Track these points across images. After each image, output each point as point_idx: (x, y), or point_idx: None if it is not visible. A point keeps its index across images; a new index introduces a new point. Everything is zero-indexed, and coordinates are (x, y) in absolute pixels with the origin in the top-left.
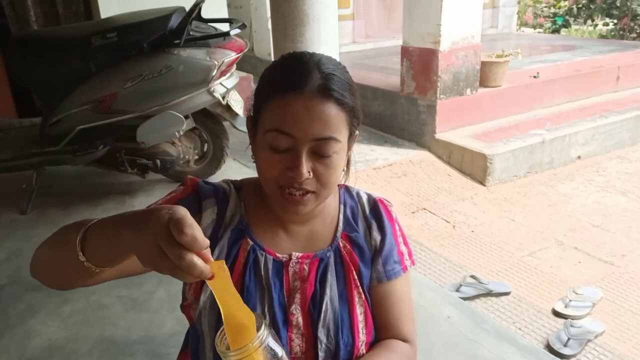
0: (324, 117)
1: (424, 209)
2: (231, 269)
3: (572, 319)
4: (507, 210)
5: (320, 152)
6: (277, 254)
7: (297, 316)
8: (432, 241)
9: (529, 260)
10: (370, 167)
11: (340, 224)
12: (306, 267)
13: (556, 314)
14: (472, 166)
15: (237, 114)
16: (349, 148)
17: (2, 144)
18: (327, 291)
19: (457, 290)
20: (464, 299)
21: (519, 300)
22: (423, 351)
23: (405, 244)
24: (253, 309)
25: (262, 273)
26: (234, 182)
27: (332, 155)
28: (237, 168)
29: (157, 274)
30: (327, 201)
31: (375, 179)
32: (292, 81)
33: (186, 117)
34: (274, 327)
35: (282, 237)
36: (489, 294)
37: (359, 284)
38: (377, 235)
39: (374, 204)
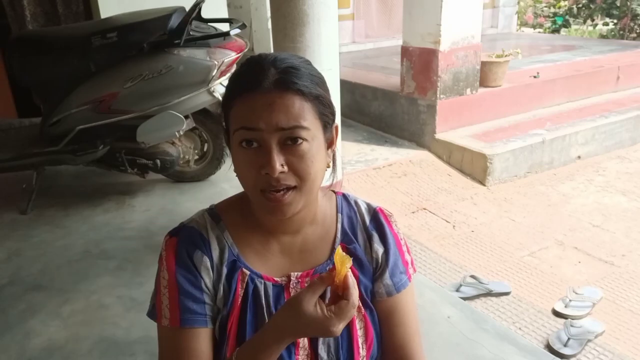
0: (284, 108)
1: (424, 209)
2: (231, 304)
3: (572, 319)
4: (507, 210)
5: (289, 142)
6: (276, 278)
7: (303, 339)
8: (432, 241)
9: (529, 260)
10: (370, 167)
11: (338, 235)
12: None
13: (556, 314)
14: (472, 166)
15: None
16: (330, 143)
17: (2, 144)
18: None
19: (457, 290)
20: (464, 299)
21: (519, 300)
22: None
23: (409, 252)
24: None
25: (263, 302)
26: (211, 211)
27: (303, 143)
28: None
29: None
30: (322, 209)
31: (375, 179)
32: (249, 81)
33: (186, 117)
34: (280, 355)
35: (276, 254)
36: (489, 294)
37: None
38: (379, 248)
39: (374, 214)
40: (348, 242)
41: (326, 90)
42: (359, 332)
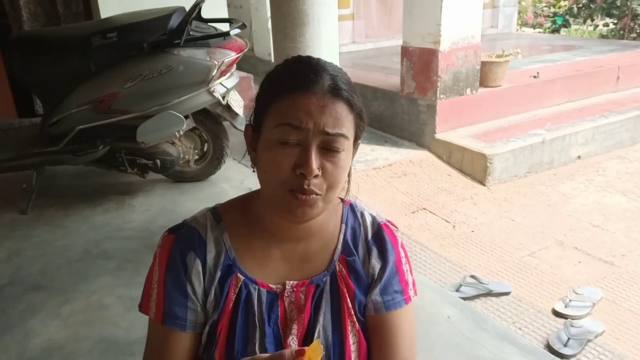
0: (335, 115)
1: (424, 209)
2: (222, 308)
3: (572, 319)
4: (507, 210)
5: (329, 147)
6: (271, 285)
7: (294, 348)
8: (432, 241)
9: (529, 260)
10: (370, 167)
11: (339, 246)
12: (302, 296)
13: (556, 314)
14: (472, 166)
15: (237, 114)
16: (353, 155)
17: (2, 144)
18: (320, 319)
19: (457, 290)
20: (464, 299)
21: (519, 300)
22: (423, 351)
23: (410, 272)
24: (241, 351)
25: (256, 309)
26: (214, 211)
27: (341, 152)
28: (237, 168)
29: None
30: (326, 218)
31: (375, 179)
32: (302, 81)
33: (186, 117)
34: None
35: (276, 260)
36: (489, 294)
37: (352, 313)
38: (376, 263)
39: (378, 228)
40: (348, 254)
41: (364, 106)
42: (352, 346)
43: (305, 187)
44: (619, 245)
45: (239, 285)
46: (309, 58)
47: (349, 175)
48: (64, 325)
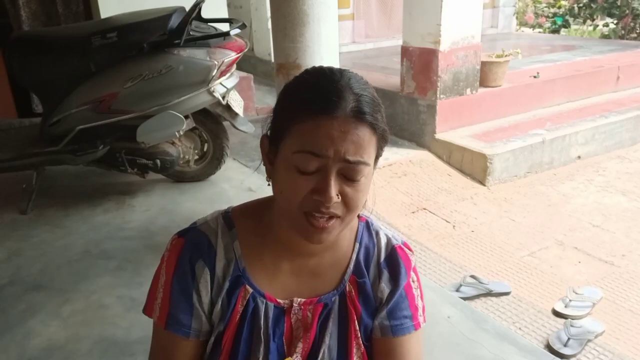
0: (357, 141)
1: (424, 209)
2: (228, 320)
3: (572, 319)
4: (507, 210)
5: (349, 175)
6: (279, 300)
7: None
8: (432, 241)
9: (529, 260)
10: None
11: (351, 266)
12: (309, 314)
13: (556, 314)
14: (472, 166)
15: (237, 114)
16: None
17: (2, 144)
18: (326, 339)
19: (457, 290)
20: (464, 299)
21: (519, 300)
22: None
23: (421, 297)
24: None
25: (262, 323)
26: (226, 215)
27: (361, 179)
28: (237, 168)
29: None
30: (341, 235)
31: (375, 179)
32: (325, 103)
33: (186, 117)
34: None
35: (286, 273)
36: (489, 294)
37: (359, 335)
38: (385, 287)
39: (392, 251)
40: (359, 275)
41: (384, 118)
42: None
43: (324, 210)
44: (619, 245)
45: (247, 298)
46: (332, 73)
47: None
48: (64, 325)
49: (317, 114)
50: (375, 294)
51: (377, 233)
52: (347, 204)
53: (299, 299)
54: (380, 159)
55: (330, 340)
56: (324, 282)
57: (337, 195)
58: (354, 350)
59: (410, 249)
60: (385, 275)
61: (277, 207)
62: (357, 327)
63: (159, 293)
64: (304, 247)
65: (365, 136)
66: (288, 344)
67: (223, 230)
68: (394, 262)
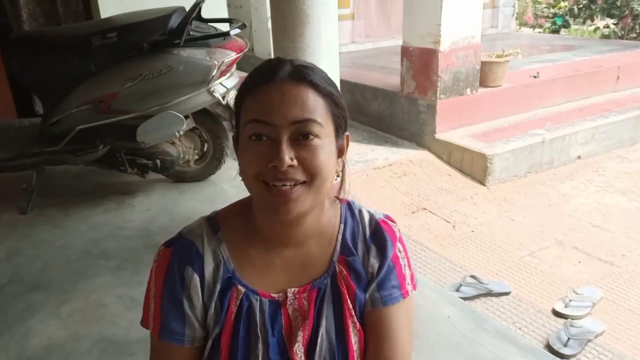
0: (299, 100)
1: (424, 209)
2: (223, 322)
3: (572, 319)
4: (507, 210)
5: (301, 135)
6: (272, 294)
7: (300, 355)
8: (432, 241)
9: (529, 260)
10: (370, 167)
11: (338, 246)
12: (305, 302)
13: (556, 313)
14: (472, 166)
15: None
16: (341, 152)
17: (2, 144)
18: (323, 322)
19: (457, 290)
20: (464, 298)
21: (519, 300)
22: (423, 351)
23: (409, 266)
24: None
25: (258, 320)
26: (211, 220)
27: (315, 139)
28: (237, 168)
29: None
30: (324, 220)
31: (375, 179)
32: (264, 74)
33: (186, 117)
34: None
35: (275, 268)
36: (489, 294)
37: (353, 313)
38: (375, 262)
39: (376, 226)
40: (348, 254)
41: (340, 95)
42: (354, 345)
43: (281, 176)
44: (618, 245)
45: (240, 297)
46: (277, 57)
47: (343, 173)
48: (63, 324)
49: (258, 85)
50: (367, 269)
51: (360, 211)
52: (306, 167)
53: (293, 289)
54: (380, 158)
55: (326, 322)
56: (315, 269)
57: (292, 158)
58: (350, 327)
59: (393, 221)
60: (373, 250)
61: (252, 198)
62: (350, 306)
63: (151, 304)
64: (287, 236)
65: (308, 95)
66: (288, 336)
67: (208, 235)
68: (379, 236)
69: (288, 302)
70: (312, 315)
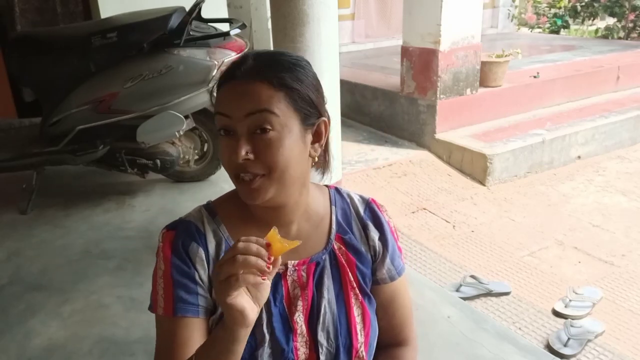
0: (252, 94)
1: (424, 209)
2: None
3: (572, 319)
4: (507, 210)
5: (258, 129)
6: None
7: (301, 324)
8: (432, 241)
9: (529, 260)
10: (370, 167)
11: (334, 226)
12: (304, 274)
13: (556, 314)
14: (472, 166)
15: None
16: (317, 138)
17: (2, 144)
18: (325, 294)
19: (457, 290)
20: (464, 299)
21: (519, 300)
22: (423, 351)
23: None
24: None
25: None
26: (208, 207)
27: (270, 132)
28: None
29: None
30: (315, 202)
31: (375, 179)
32: (228, 71)
33: (186, 117)
34: (277, 341)
35: None
36: (489, 294)
37: (355, 286)
38: (374, 235)
39: (368, 204)
40: (343, 232)
41: (309, 87)
42: (356, 318)
43: (241, 170)
44: (618, 245)
45: None
46: (251, 51)
47: (326, 157)
48: (63, 325)
49: (223, 83)
50: (367, 245)
51: (349, 194)
52: (263, 160)
53: (293, 261)
54: (380, 158)
55: (328, 294)
56: (313, 245)
57: (247, 152)
58: (352, 300)
59: (381, 204)
60: (370, 225)
61: None
62: (352, 278)
63: (159, 285)
64: (272, 216)
65: (262, 91)
66: (289, 306)
67: (208, 219)
68: (373, 212)
69: (288, 274)
70: (310, 286)
